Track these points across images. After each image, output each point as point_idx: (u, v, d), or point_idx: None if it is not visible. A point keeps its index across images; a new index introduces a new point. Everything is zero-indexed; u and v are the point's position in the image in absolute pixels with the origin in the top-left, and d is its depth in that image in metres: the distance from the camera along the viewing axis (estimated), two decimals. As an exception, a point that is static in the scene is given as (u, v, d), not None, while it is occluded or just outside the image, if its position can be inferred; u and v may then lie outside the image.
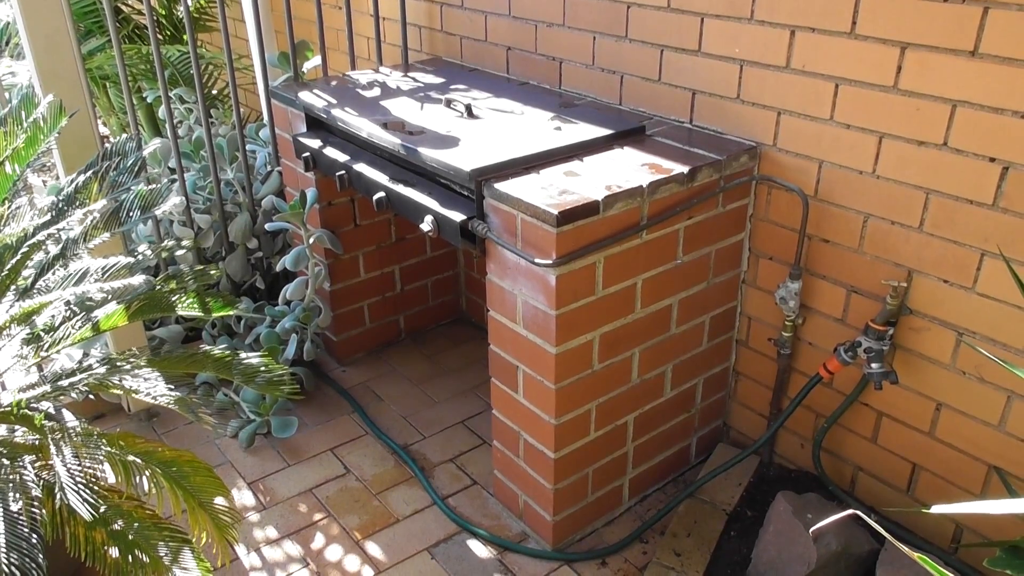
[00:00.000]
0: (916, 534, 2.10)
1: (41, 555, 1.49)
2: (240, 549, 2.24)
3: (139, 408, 2.75)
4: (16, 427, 1.76)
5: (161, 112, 3.39)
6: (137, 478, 1.64)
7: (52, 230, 1.90)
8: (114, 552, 1.57)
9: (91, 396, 2.67)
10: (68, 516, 1.57)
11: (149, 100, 3.73)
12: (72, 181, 2.00)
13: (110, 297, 1.89)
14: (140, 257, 2.05)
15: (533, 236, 1.85)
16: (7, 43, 4.11)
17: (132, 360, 1.83)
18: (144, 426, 2.72)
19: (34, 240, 1.88)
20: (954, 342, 1.90)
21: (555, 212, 1.76)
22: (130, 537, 1.60)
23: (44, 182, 4.54)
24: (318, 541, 2.26)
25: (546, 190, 1.88)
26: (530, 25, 2.64)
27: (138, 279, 1.87)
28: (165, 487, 1.66)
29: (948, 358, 1.92)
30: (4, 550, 1.47)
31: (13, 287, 1.87)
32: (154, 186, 2.04)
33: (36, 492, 1.59)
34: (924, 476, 2.06)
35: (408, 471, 2.51)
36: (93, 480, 1.57)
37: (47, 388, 1.78)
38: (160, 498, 1.65)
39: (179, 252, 2.88)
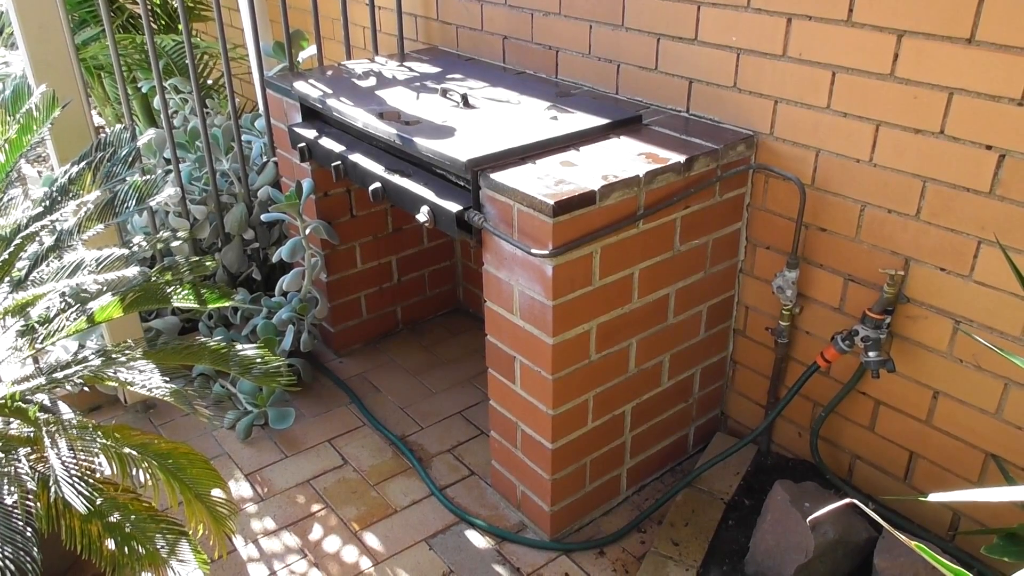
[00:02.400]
0: (914, 522, 2.10)
1: (36, 548, 1.49)
2: (238, 541, 2.24)
3: (135, 400, 2.74)
4: (11, 420, 1.76)
5: (156, 102, 3.37)
6: (133, 470, 1.63)
7: (46, 221, 1.89)
8: (110, 544, 1.57)
9: (87, 388, 2.66)
10: (63, 509, 1.57)
11: (144, 90, 3.71)
12: (66, 172, 1.99)
13: (105, 289, 1.88)
14: (135, 248, 2.04)
15: (530, 226, 1.84)
16: (0, 33, 4.09)
17: (128, 352, 1.82)
18: (141, 418, 2.72)
19: (28, 231, 1.87)
20: (951, 330, 1.90)
21: (551, 202, 1.76)
22: (126, 529, 1.59)
23: (39, 173, 4.53)
24: (316, 532, 2.26)
25: (542, 180, 1.87)
26: (526, 14, 2.62)
27: (133, 270, 1.86)
28: (162, 479, 1.65)
29: (945, 346, 1.92)
30: (-1, 543, 1.46)
31: (7, 279, 1.86)
32: (149, 177, 2.03)
33: (31, 485, 1.59)
34: (921, 464, 2.06)
35: (406, 462, 2.51)
36: (88, 473, 1.57)
37: (42, 380, 1.78)
38: (156, 490, 1.65)
39: (175, 243, 2.87)
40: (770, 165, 2.11)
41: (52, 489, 1.46)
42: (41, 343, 1.82)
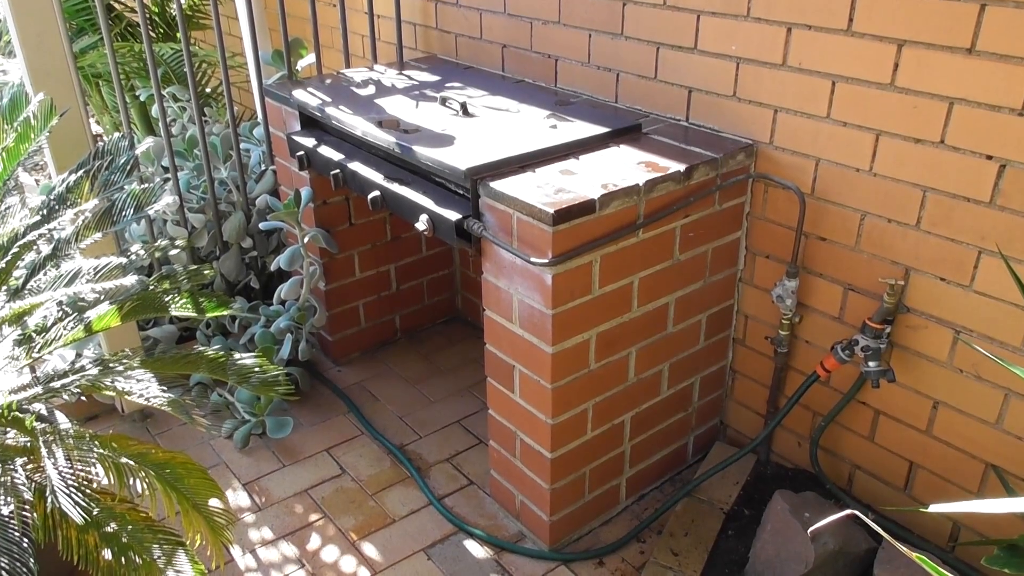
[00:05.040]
0: (914, 533, 2.09)
1: (32, 559, 1.48)
2: (235, 551, 2.22)
3: (133, 409, 2.73)
4: (7, 429, 1.75)
5: (154, 110, 3.37)
6: (130, 480, 1.62)
7: (44, 230, 1.88)
8: (107, 555, 1.56)
9: (84, 397, 2.65)
10: (60, 519, 1.55)
11: (142, 98, 3.71)
12: (64, 180, 1.98)
13: (103, 297, 1.87)
14: (133, 257, 2.04)
15: (529, 235, 1.84)
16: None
17: (125, 361, 1.81)
18: (138, 427, 2.70)
19: (25, 240, 1.86)
20: (951, 340, 1.90)
21: (551, 211, 1.75)
22: (123, 540, 1.58)
23: (37, 181, 4.52)
24: (314, 542, 2.25)
25: (542, 189, 1.87)
26: (525, 22, 2.63)
27: (131, 279, 1.85)
28: (159, 489, 1.64)
29: (945, 356, 1.92)
30: (-5, 554, 1.45)
31: (4, 287, 1.85)
32: (147, 185, 2.03)
33: (27, 495, 1.58)
34: (922, 474, 2.06)
35: (404, 471, 2.50)
36: (85, 482, 1.56)
37: (39, 390, 1.77)
38: (154, 500, 1.64)
39: (173, 252, 2.87)
40: (770, 174, 2.11)
41: (49, 499, 1.45)
42: (38, 352, 1.82)
